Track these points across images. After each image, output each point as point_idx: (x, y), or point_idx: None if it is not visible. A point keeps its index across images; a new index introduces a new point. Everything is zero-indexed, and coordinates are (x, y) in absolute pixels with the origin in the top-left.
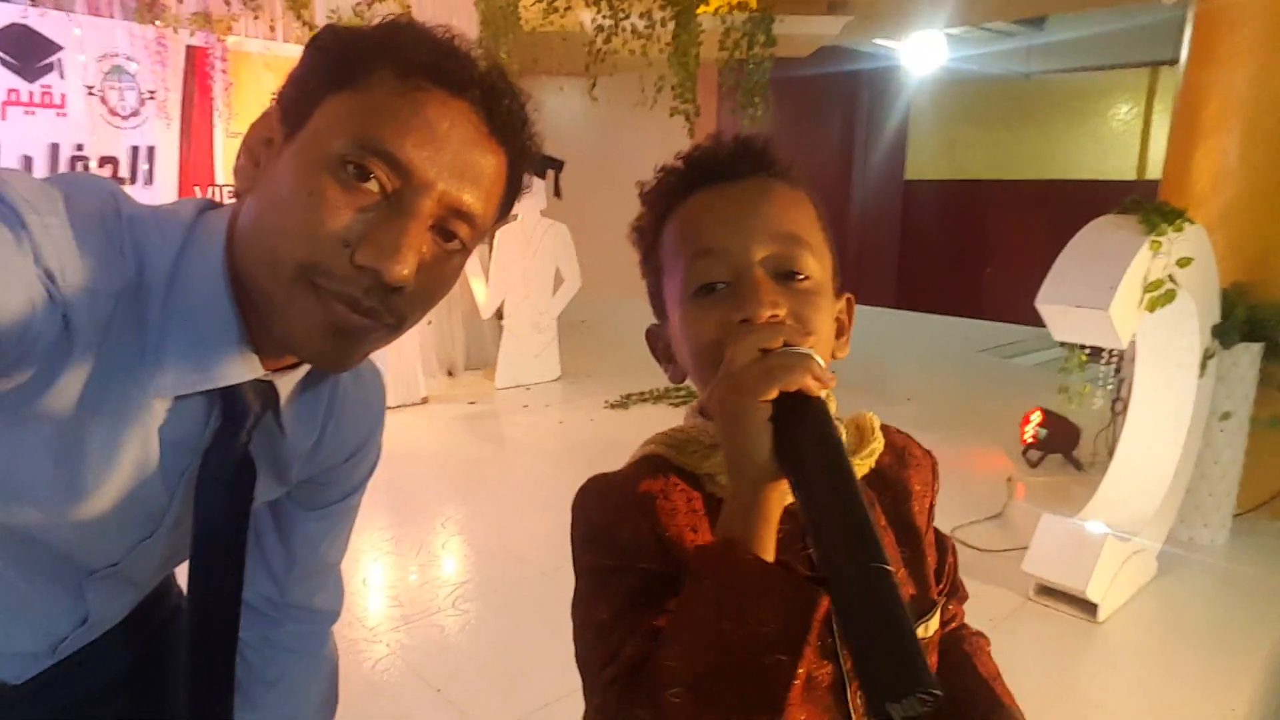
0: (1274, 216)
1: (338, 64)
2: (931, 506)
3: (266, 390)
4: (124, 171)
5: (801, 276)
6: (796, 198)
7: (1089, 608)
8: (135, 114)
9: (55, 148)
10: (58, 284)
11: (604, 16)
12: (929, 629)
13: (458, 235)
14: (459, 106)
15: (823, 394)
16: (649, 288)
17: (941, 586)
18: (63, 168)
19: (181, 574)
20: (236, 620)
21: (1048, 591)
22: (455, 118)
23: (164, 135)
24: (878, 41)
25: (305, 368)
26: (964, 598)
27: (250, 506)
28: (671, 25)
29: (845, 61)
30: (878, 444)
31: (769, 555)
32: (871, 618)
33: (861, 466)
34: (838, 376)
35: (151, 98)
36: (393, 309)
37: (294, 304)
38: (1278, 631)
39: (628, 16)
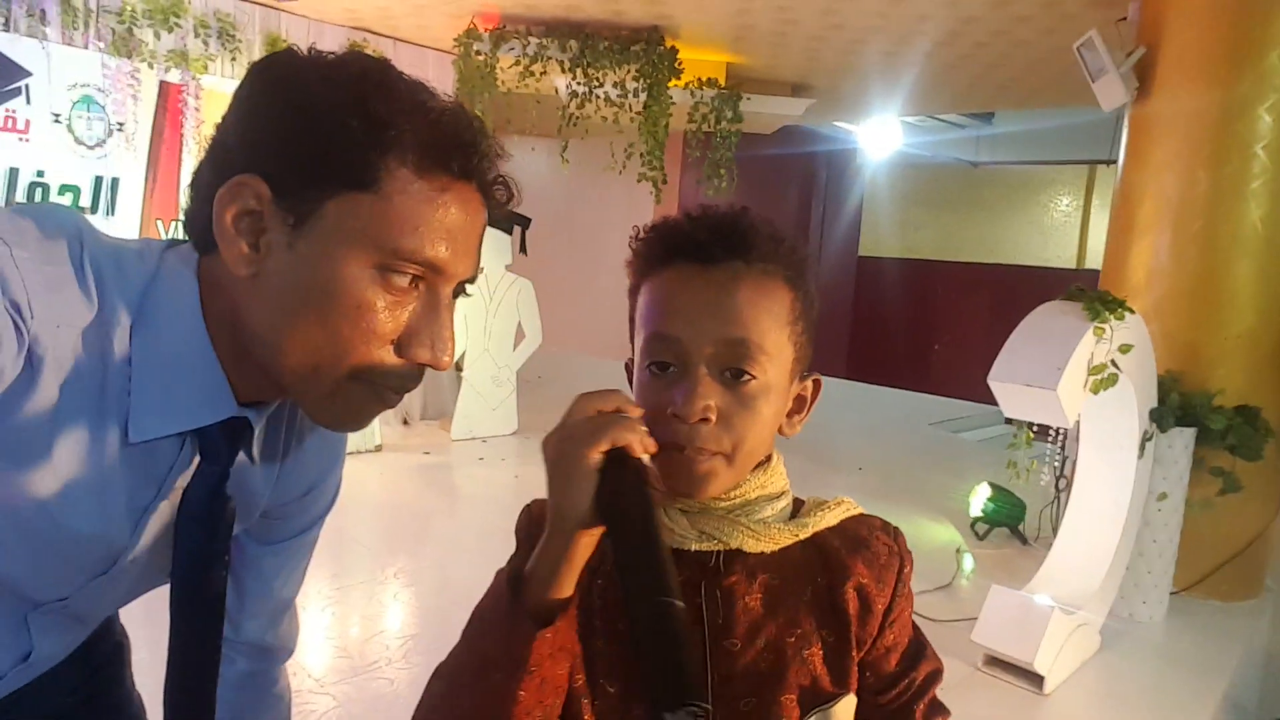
0: (1202, 311)
1: (345, 157)
2: (888, 610)
3: (242, 427)
4: (85, 201)
5: (748, 378)
6: (766, 292)
7: (1036, 679)
8: (101, 144)
9: (14, 172)
10: (24, 317)
11: (578, 83)
12: (829, 716)
13: (456, 295)
14: (470, 193)
15: (644, 458)
16: (630, 331)
17: (889, 698)
18: (20, 193)
19: (137, 613)
20: (217, 658)
21: (995, 662)
22: (468, 206)
23: (130, 168)
24: (838, 124)
25: (276, 403)
26: None
27: (229, 543)
28: (644, 96)
29: (806, 141)
30: (825, 518)
31: (567, 592)
32: (653, 640)
33: (783, 534)
34: (794, 443)
35: (120, 130)
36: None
37: (339, 396)
38: (1214, 706)
39: (602, 85)
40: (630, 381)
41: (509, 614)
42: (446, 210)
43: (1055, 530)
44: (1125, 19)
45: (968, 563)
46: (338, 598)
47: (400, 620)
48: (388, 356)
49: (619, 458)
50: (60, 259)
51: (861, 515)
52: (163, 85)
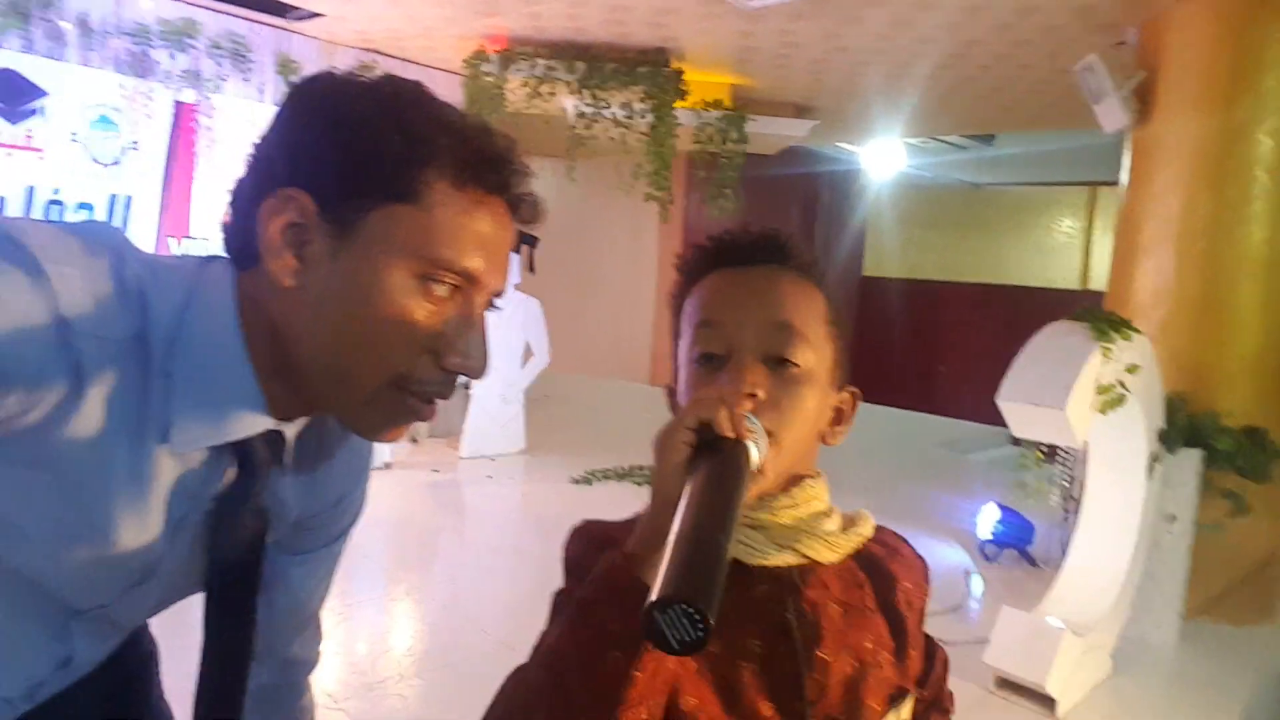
0: (1207, 332)
1: (388, 170)
2: (921, 610)
3: (276, 439)
4: (99, 218)
5: (792, 364)
6: (805, 290)
7: (1048, 702)
8: (116, 163)
9: (31, 190)
10: (72, 331)
11: (586, 104)
12: (900, 714)
13: (486, 308)
14: (502, 208)
15: (746, 442)
16: (673, 349)
17: (924, 694)
18: (37, 211)
19: (163, 622)
20: (247, 670)
21: (1008, 685)
22: (502, 220)
23: (144, 186)
24: (841, 145)
25: (307, 416)
26: (947, 711)
27: (263, 553)
28: (650, 117)
29: (810, 162)
30: (865, 529)
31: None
32: (694, 547)
33: (846, 543)
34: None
35: (135, 148)
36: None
37: (376, 405)
38: None
39: (609, 105)
40: (671, 408)
41: (629, 589)
42: (482, 223)
43: (1064, 552)
44: (1124, 43)
45: (977, 585)
46: (348, 614)
47: (411, 637)
48: (425, 363)
49: (712, 439)
50: (103, 276)
51: (880, 525)
52: (177, 105)
